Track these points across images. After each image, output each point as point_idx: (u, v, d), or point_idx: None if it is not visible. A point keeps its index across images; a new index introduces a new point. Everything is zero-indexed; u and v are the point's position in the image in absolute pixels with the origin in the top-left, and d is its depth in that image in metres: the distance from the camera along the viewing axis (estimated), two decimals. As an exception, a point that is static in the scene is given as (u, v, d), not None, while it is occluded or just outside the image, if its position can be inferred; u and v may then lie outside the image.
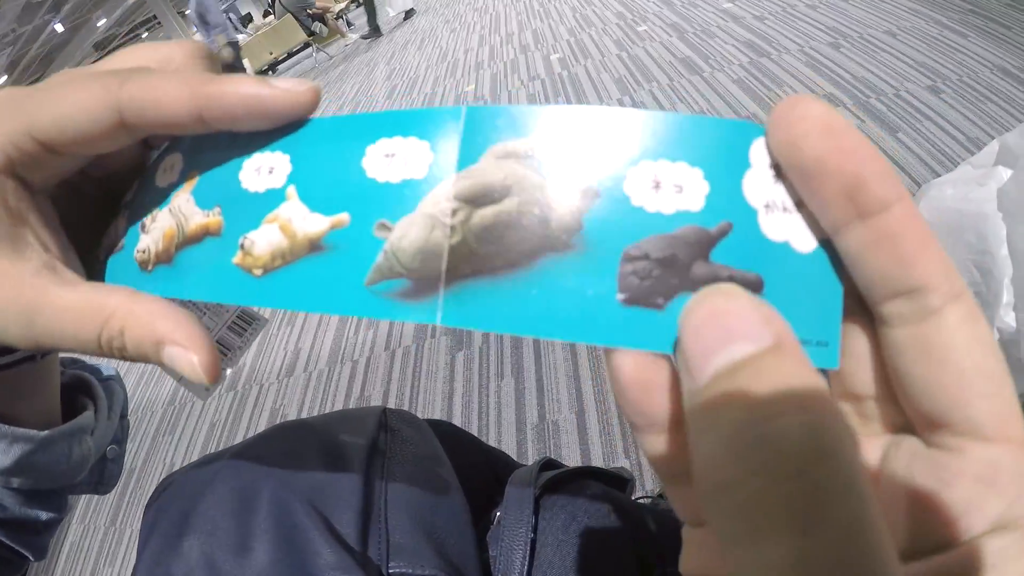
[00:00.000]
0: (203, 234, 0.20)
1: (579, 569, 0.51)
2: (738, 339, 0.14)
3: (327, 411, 1.88)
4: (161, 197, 0.22)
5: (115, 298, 0.22)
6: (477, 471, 0.65)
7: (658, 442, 0.17)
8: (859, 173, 0.15)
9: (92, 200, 0.28)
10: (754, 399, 0.13)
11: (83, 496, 0.43)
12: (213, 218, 0.20)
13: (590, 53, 3.79)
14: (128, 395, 0.44)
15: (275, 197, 0.19)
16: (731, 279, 0.16)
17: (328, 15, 8.48)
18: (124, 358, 0.22)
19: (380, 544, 0.44)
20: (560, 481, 0.57)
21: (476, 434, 1.56)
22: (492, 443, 1.54)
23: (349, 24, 9.09)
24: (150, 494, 0.49)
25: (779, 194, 0.16)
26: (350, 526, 0.43)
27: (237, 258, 0.20)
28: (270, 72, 9.27)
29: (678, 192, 0.16)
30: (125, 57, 0.25)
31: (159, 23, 11.88)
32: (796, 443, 0.13)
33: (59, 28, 11.56)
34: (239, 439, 2.09)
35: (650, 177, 0.16)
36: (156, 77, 0.21)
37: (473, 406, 1.66)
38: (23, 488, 0.35)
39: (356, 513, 0.44)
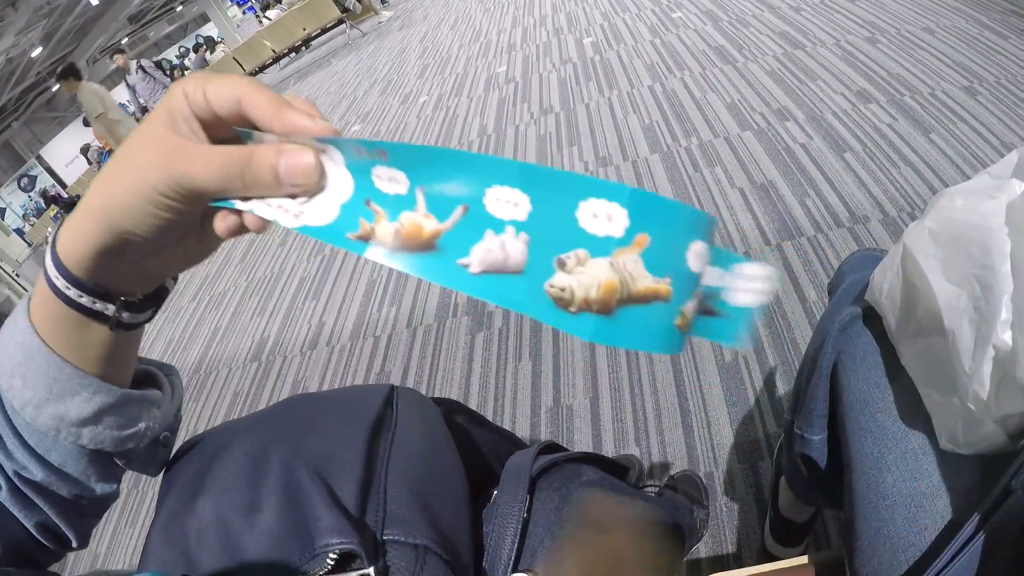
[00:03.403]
0: (652, 298, 0.27)
1: None
2: None
3: (346, 385, 1.92)
4: (591, 242, 0.26)
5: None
6: (482, 450, 0.69)
7: None
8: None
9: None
10: None
11: None
12: (663, 286, 0.27)
13: (623, 38, 3.77)
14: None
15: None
16: None
17: (363, -9, 8.49)
18: (247, 183, 0.32)
19: (377, 512, 0.46)
20: (558, 465, 0.60)
21: (491, 415, 1.59)
22: (507, 424, 1.57)
23: (383, 1, 9.08)
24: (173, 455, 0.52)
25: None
26: (350, 493, 0.46)
27: (679, 321, 0.28)
28: (304, 47, 9.31)
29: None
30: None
31: (195, -3, 11.97)
32: None
33: (94, 1, 11.57)
34: (261, 408, 2.13)
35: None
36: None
37: (490, 387, 1.69)
38: (90, 446, 0.39)
39: (357, 482, 0.47)
